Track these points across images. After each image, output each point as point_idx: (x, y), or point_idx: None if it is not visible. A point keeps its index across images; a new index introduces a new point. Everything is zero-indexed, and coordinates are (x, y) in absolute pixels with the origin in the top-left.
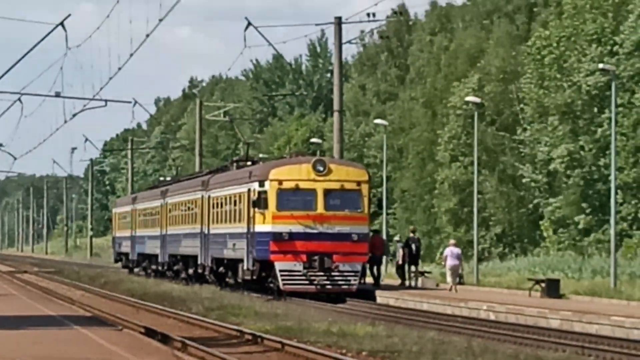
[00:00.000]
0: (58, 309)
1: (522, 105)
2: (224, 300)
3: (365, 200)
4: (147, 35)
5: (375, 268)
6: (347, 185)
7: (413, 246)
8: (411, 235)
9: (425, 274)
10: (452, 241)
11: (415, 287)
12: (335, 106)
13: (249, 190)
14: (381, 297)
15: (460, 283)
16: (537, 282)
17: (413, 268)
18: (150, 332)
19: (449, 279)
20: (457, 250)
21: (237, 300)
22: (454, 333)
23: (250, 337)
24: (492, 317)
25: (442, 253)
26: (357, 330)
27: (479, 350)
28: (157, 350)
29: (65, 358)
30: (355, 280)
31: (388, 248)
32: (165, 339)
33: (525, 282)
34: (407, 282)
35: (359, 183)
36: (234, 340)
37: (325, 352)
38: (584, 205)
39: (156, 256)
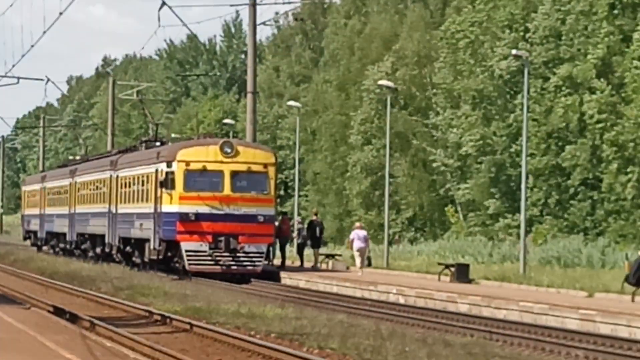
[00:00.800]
0: None
1: (434, 91)
2: (133, 280)
3: (272, 182)
4: (61, 13)
5: (283, 250)
6: (254, 168)
7: (317, 229)
8: (314, 218)
9: (336, 257)
10: (357, 224)
11: (319, 269)
12: (249, 87)
13: (157, 170)
14: (290, 278)
15: (369, 265)
16: (447, 266)
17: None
18: (58, 311)
19: (357, 261)
20: (364, 233)
21: (146, 280)
22: (363, 316)
23: (159, 318)
24: (401, 300)
25: None
26: (267, 312)
27: (387, 333)
28: (65, 329)
29: None
30: (260, 261)
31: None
32: (73, 318)
33: (435, 267)
34: (316, 265)
35: (265, 165)
36: (142, 321)
37: (234, 333)
38: (493, 190)
39: (64, 234)
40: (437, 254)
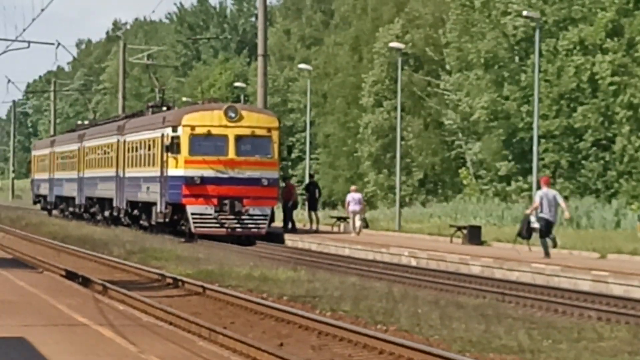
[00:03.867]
0: None
1: (446, 51)
2: (145, 243)
3: (276, 146)
4: None
5: (291, 214)
6: (258, 132)
7: (317, 192)
8: (311, 180)
9: (347, 220)
10: (353, 187)
11: (317, 231)
12: (260, 50)
13: (163, 135)
14: (301, 241)
15: (366, 227)
16: (459, 228)
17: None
18: (71, 275)
19: (352, 223)
20: (359, 196)
21: (158, 244)
22: (375, 279)
23: (171, 281)
24: (413, 263)
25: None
26: (279, 275)
27: (400, 295)
28: (78, 293)
29: None
30: (264, 224)
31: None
32: (86, 281)
33: (447, 229)
34: (312, 226)
35: (269, 129)
36: (155, 284)
37: (246, 296)
38: (505, 152)
39: (73, 199)
40: (448, 217)
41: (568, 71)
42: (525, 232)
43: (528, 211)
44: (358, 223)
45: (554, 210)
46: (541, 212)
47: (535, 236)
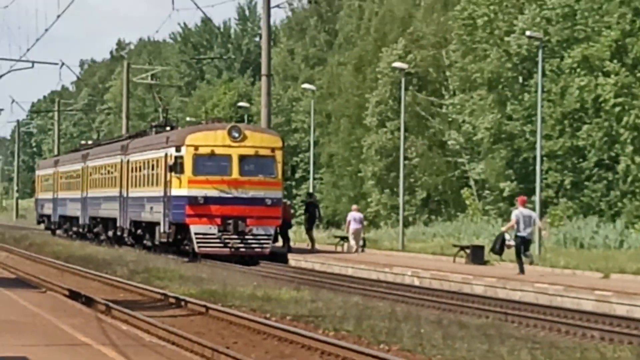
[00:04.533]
0: None
1: (448, 73)
2: (148, 263)
3: (279, 166)
4: None
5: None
6: (262, 152)
7: (316, 212)
8: (309, 200)
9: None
10: (354, 206)
11: (313, 251)
12: (263, 70)
13: (166, 155)
14: (305, 261)
15: (363, 246)
16: (462, 248)
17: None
18: (74, 295)
19: (352, 242)
20: (360, 215)
21: (161, 264)
22: (378, 298)
23: (174, 301)
24: (416, 282)
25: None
26: (282, 294)
27: (403, 315)
28: (81, 313)
29: None
30: (268, 243)
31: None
32: (89, 301)
33: (450, 248)
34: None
35: (273, 149)
36: (158, 304)
37: (249, 316)
38: (509, 172)
39: (77, 218)
40: (452, 236)
41: (572, 91)
42: (499, 249)
43: (504, 229)
44: (360, 242)
45: (530, 228)
46: (517, 230)
47: (508, 252)
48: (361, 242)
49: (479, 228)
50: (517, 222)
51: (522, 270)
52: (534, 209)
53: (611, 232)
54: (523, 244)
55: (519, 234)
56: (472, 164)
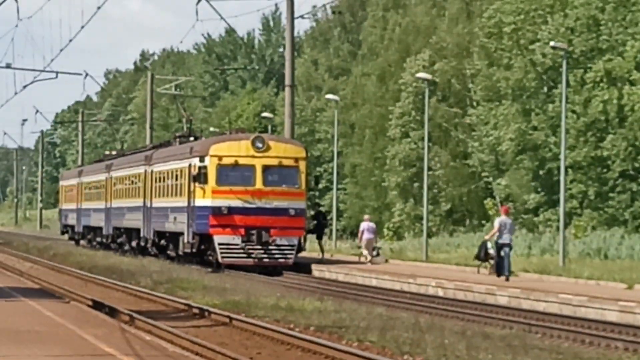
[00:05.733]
0: (6, 280)
1: (471, 85)
2: (172, 273)
3: (303, 176)
4: (99, 8)
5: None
6: (285, 162)
7: (324, 221)
8: (317, 210)
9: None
10: (366, 216)
11: (322, 261)
12: (287, 81)
13: (190, 165)
14: (328, 271)
15: (377, 255)
16: (486, 259)
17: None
18: (98, 305)
19: (365, 252)
20: (373, 225)
21: (185, 274)
22: (402, 309)
23: (198, 311)
24: (440, 293)
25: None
26: (305, 305)
27: (427, 326)
28: (104, 323)
29: (12, 329)
30: (291, 254)
31: None
32: (112, 312)
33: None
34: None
35: (296, 160)
36: (181, 314)
37: (273, 326)
38: (534, 184)
39: (101, 229)
40: (476, 247)
41: (595, 104)
42: (483, 256)
43: (487, 237)
44: (373, 252)
45: (510, 235)
46: (499, 237)
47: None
48: (374, 252)
49: None
50: (499, 230)
51: (500, 275)
52: (558, 221)
53: (636, 243)
54: (504, 248)
55: (499, 240)
56: (496, 179)
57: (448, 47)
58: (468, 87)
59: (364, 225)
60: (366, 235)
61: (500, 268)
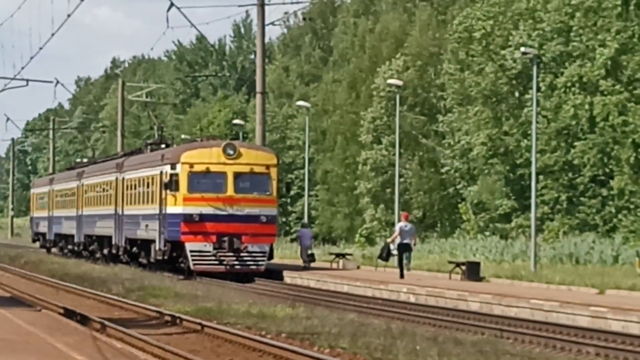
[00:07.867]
0: None
1: (442, 93)
2: (144, 281)
3: (274, 183)
4: (69, 15)
5: None
6: (257, 169)
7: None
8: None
9: (347, 256)
10: (304, 222)
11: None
12: (258, 88)
13: (161, 172)
14: (300, 278)
15: (312, 261)
16: (458, 264)
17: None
18: (69, 313)
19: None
20: (308, 232)
21: (157, 282)
22: (374, 315)
23: (169, 319)
24: (412, 299)
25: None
26: (277, 312)
27: (398, 332)
28: (76, 331)
29: None
30: (263, 260)
31: None
32: (84, 319)
33: (446, 265)
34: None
35: (268, 167)
36: (153, 322)
37: (245, 333)
38: (505, 189)
39: (72, 236)
40: (447, 253)
41: (567, 109)
42: (385, 256)
43: (389, 240)
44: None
45: (409, 238)
46: (401, 239)
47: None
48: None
49: (475, 245)
50: (400, 234)
51: (402, 276)
52: (529, 227)
53: (606, 248)
54: (404, 250)
55: (402, 242)
56: (467, 186)
57: (420, 54)
58: (440, 96)
59: (301, 232)
60: (304, 242)
61: (402, 269)
